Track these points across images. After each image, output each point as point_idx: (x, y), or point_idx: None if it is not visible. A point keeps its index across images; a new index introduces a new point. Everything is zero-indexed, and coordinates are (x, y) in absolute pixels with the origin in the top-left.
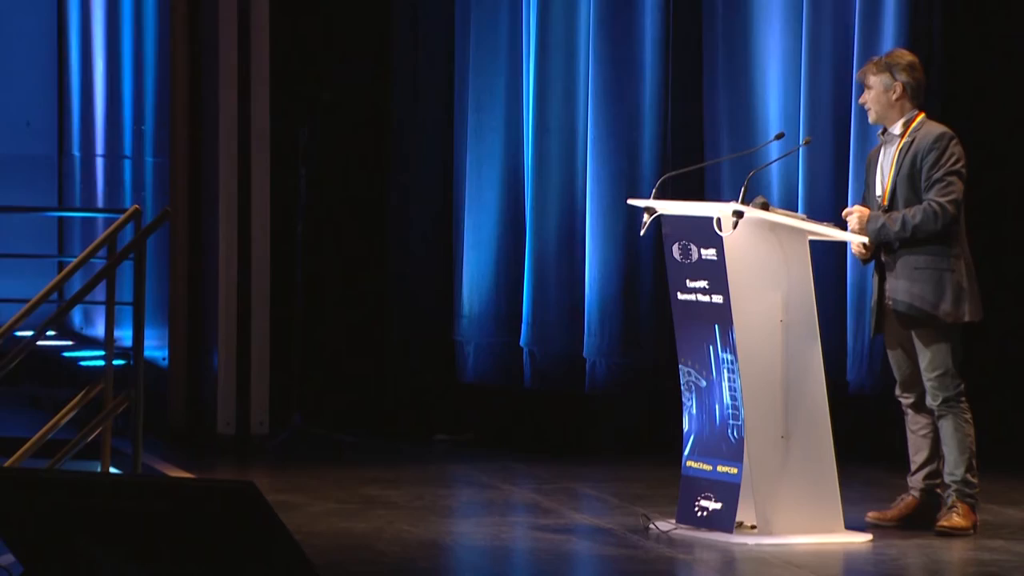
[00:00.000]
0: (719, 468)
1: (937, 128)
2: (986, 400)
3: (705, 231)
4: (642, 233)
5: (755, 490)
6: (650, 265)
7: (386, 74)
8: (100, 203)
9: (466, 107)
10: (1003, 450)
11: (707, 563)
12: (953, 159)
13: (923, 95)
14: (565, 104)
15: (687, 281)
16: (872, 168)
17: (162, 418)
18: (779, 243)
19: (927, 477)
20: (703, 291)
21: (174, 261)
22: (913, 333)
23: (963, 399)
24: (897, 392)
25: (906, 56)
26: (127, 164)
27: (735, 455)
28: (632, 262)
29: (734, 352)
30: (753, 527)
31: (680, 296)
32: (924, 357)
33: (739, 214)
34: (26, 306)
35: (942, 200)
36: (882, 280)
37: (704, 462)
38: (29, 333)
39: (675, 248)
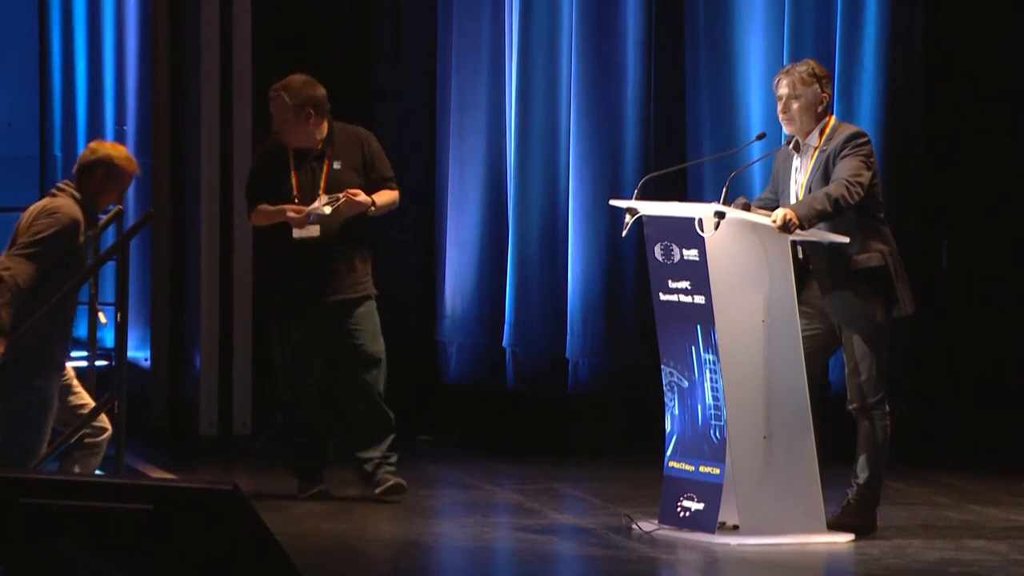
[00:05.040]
0: (701, 468)
1: (849, 129)
2: (971, 400)
3: (687, 232)
4: (624, 234)
5: (737, 490)
6: (633, 266)
7: (368, 74)
8: None
9: (448, 107)
10: (985, 452)
11: (689, 563)
12: (862, 153)
13: None
14: (547, 105)
15: (669, 282)
16: (783, 174)
17: (144, 419)
18: (761, 244)
19: None
20: (685, 292)
21: (156, 262)
22: (844, 334)
23: (883, 405)
24: None
25: (823, 67)
26: None
27: (717, 455)
28: (615, 263)
29: (716, 353)
30: (735, 527)
31: (662, 297)
32: (850, 361)
33: (721, 215)
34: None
35: (853, 179)
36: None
37: (686, 462)
38: None
39: (657, 249)
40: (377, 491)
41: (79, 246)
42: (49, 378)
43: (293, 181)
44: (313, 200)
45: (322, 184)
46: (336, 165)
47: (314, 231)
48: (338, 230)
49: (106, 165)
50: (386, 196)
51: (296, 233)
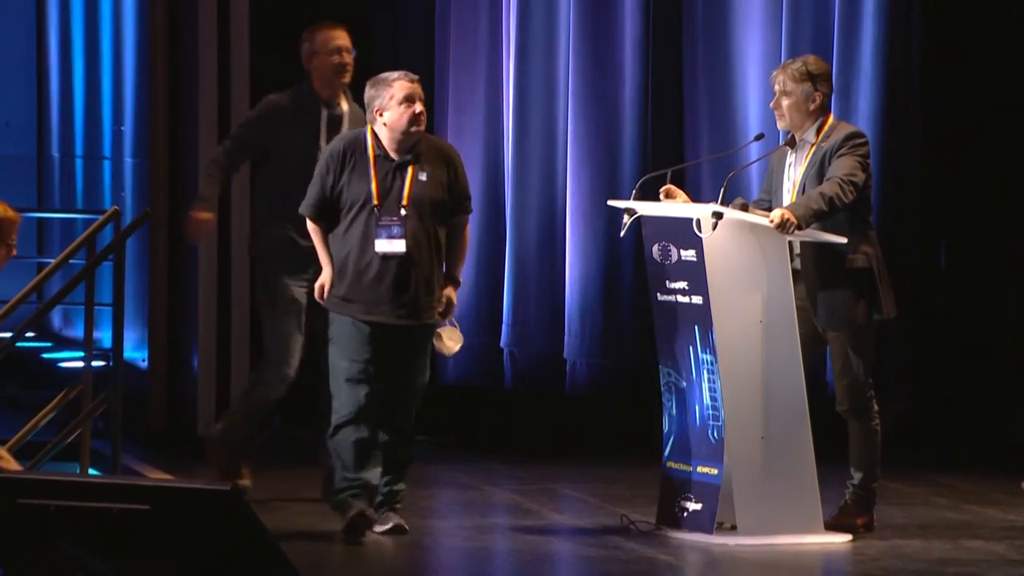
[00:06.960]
0: (699, 469)
1: (848, 128)
2: (970, 400)
3: (685, 232)
4: (622, 234)
5: (735, 491)
6: (630, 266)
7: (366, 74)
8: (79, 204)
9: (446, 107)
10: (984, 452)
11: (687, 564)
12: (859, 153)
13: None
14: (545, 104)
15: (667, 282)
16: (777, 173)
17: (141, 419)
18: (758, 244)
19: None
20: (683, 292)
21: (154, 262)
22: (828, 337)
23: (871, 405)
24: None
25: (823, 65)
26: (106, 165)
27: (715, 456)
28: (612, 263)
29: (714, 353)
30: (733, 528)
31: (660, 297)
32: (837, 363)
33: (719, 215)
34: (5, 307)
35: (847, 178)
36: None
37: (684, 463)
38: (8, 334)
39: (655, 249)
40: (380, 530)
41: (285, 136)
42: (268, 272)
43: (373, 187)
44: (395, 208)
45: (405, 195)
46: (422, 176)
47: (399, 246)
48: (425, 246)
49: (301, 46)
50: (462, 248)
51: (379, 246)
